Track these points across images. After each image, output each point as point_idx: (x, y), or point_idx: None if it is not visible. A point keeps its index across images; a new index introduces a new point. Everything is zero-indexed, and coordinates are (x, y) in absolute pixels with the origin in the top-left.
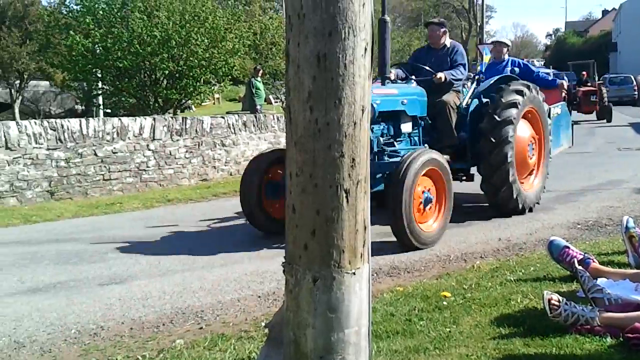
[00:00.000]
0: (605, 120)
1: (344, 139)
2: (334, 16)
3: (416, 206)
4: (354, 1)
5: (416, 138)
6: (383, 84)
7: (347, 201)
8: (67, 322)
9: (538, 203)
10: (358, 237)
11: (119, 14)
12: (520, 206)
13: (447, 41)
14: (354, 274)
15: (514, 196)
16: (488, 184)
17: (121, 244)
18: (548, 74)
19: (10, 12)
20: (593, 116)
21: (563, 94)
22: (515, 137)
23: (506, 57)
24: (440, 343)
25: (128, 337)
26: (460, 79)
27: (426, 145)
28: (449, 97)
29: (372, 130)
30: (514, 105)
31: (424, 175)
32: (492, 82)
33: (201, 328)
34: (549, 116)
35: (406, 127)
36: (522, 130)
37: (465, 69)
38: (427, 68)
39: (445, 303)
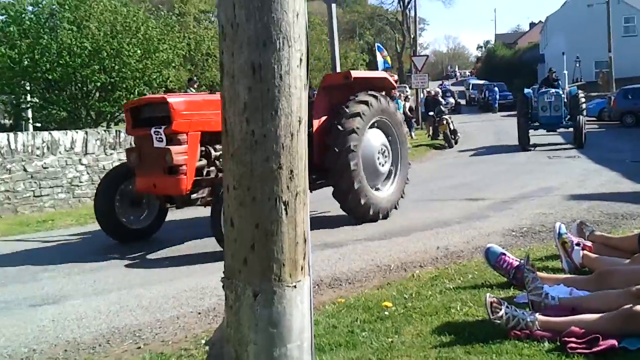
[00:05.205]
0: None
1: (282, 150)
2: (268, 26)
3: None
4: (287, 12)
5: None
6: None
7: (286, 213)
8: None
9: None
10: (298, 250)
11: (46, 24)
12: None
13: None
14: (295, 287)
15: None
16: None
17: (54, 263)
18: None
19: None
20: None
21: None
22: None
23: None
24: (382, 353)
25: (62, 359)
26: None
27: None
28: None
29: None
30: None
31: None
32: None
33: (139, 347)
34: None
35: None
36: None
37: None
38: None
39: (386, 313)
